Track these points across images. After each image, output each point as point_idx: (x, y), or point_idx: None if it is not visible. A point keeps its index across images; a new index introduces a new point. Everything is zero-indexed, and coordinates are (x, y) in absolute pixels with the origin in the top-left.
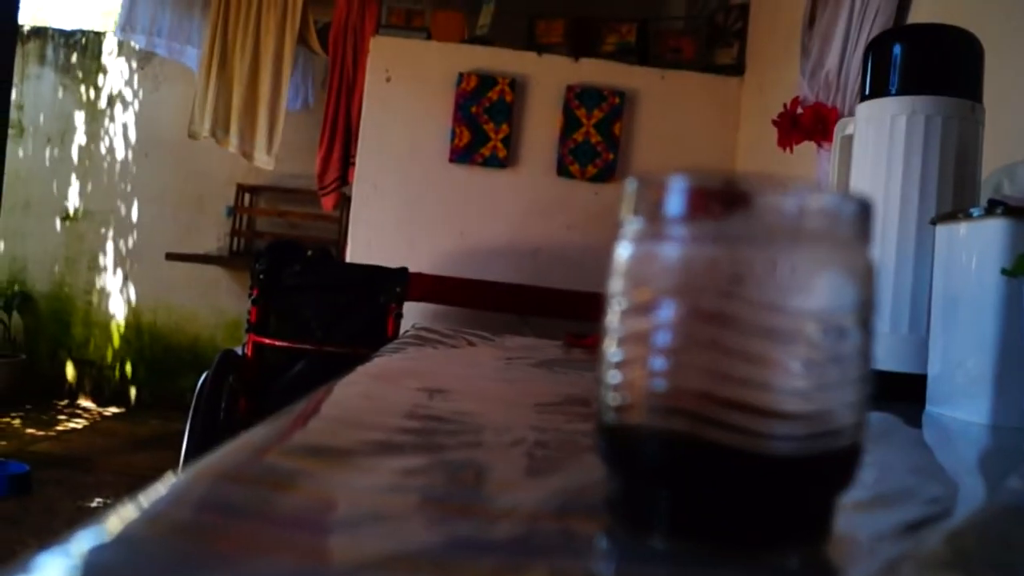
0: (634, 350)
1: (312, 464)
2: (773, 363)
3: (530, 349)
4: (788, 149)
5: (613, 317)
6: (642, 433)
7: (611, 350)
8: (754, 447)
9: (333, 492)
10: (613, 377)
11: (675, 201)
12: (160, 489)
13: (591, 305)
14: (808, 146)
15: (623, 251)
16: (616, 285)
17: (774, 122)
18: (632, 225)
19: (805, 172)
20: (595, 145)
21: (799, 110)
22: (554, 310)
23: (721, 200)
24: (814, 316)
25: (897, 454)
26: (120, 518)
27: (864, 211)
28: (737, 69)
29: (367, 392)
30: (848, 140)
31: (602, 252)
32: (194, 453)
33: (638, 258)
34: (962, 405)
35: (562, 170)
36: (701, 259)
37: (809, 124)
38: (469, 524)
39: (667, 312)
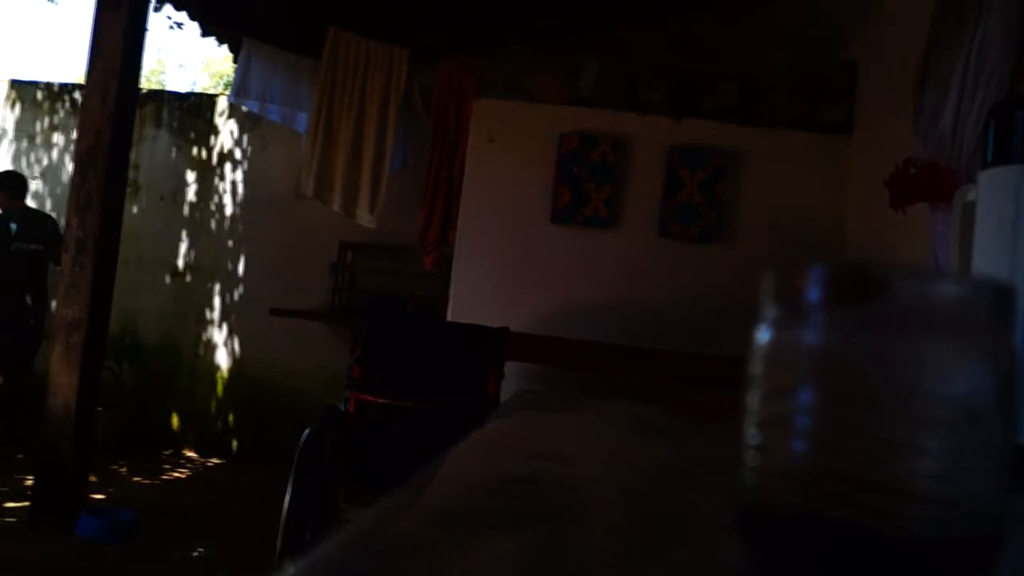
0: (773, 433)
1: (439, 534)
2: (911, 448)
3: (633, 414)
4: (901, 211)
5: (752, 400)
6: (782, 515)
7: (750, 432)
8: (893, 531)
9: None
10: (752, 459)
11: (814, 289)
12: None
13: (694, 367)
14: (921, 207)
15: (762, 336)
16: (755, 369)
17: (886, 183)
18: (771, 311)
19: (918, 234)
20: (698, 205)
21: (912, 170)
22: (657, 372)
23: (858, 287)
24: (952, 402)
25: None
26: None
27: (1004, 297)
28: (845, 127)
29: (484, 459)
30: (970, 207)
31: (706, 314)
32: (297, 506)
33: (777, 343)
34: None
35: (665, 230)
36: (839, 345)
37: (923, 185)
38: None
39: (806, 396)
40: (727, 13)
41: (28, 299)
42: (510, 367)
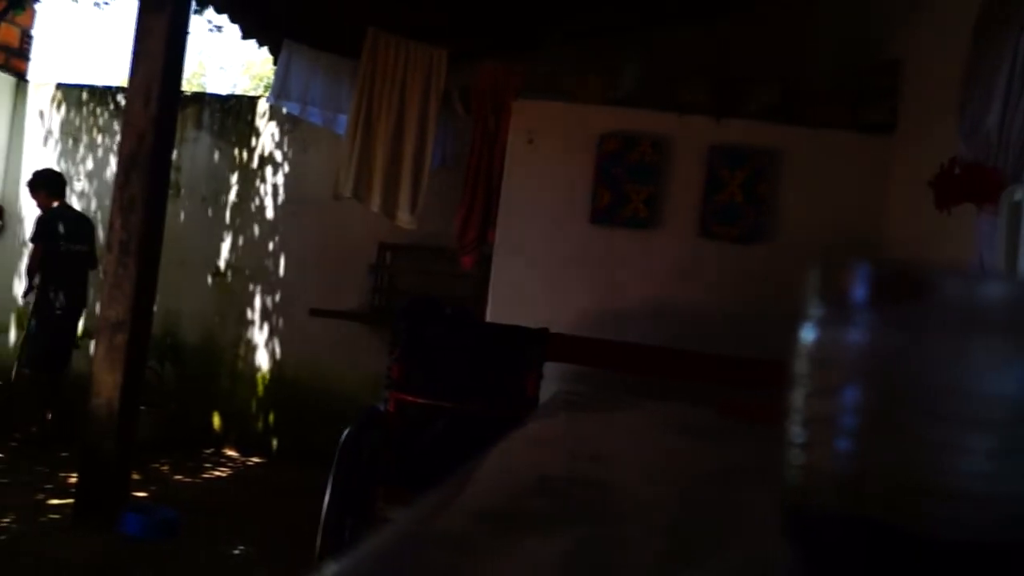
0: (818, 432)
1: (481, 532)
2: (956, 448)
3: (677, 415)
4: (945, 211)
5: (797, 398)
6: (825, 514)
7: (795, 430)
8: (939, 531)
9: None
10: (796, 457)
11: (860, 288)
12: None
13: (735, 369)
14: (966, 208)
15: (807, 335)
16: (800, 368)
17: (930, 183)
18: (816, 310)
19: (962, 235)
20: (739, 205)
21: (957, 170)
22: (696, 374)
23: (904, 287)
24: (998, 402)
25: None
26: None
27: None
28: (887, 127)
29: (526, 459)
30: (1016, 207)
31: (747, 315)
32: (336, 505)
33: (822, 342)
34: None
35: (705, 231)
36: (885, 345)
37: (968, 185)
38: None
39: (851, 395)
40: (768, 12)
41: (72, 299)
42: (549, 368)
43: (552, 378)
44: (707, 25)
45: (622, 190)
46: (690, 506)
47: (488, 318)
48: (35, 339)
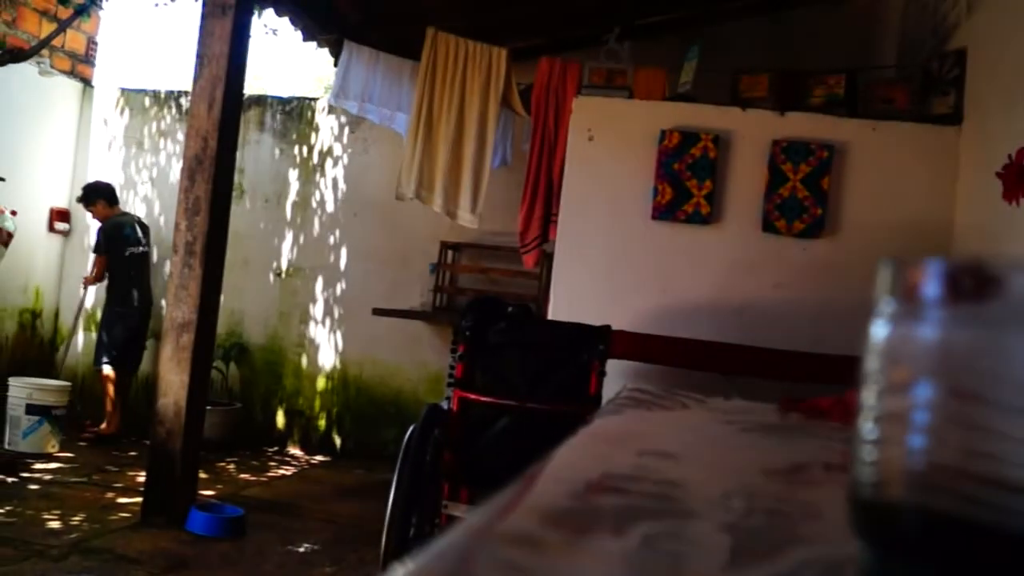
0: (891, 428)
1: (550, 530)
2: None
3: (743, 412)
4: (1015, 202)
5: (868, 395)
6: (899, 510)
7: (866, 427)
8: (1012, 526)
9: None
10: (869, 453)
11: (932, 284)
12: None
13: (800, 365)
14: None
15: (879, 331)
16: (872, 364)
17: (999, 174)
18: (888, 306)
19: None
20: (802, 200)
21: None
22: (760, 370)
23: (977, 282)
24: None
25: None
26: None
27: None
28: (954, 118)
29: (594, 456)
30: None
31: (811, 311)
32: (401, 503)
33: (895, 338)
34: None
35: (768, 226)
36: (959, 341)
37: None
38: None
39: (924, 391)
40: (831, 3)
41: (141, 300)
42: (611, 365)
43: (614, 375)
44: (769, 18)
45: (683, 186)
46: (758, 503)
47: (550, 316)
48: (108, 339)
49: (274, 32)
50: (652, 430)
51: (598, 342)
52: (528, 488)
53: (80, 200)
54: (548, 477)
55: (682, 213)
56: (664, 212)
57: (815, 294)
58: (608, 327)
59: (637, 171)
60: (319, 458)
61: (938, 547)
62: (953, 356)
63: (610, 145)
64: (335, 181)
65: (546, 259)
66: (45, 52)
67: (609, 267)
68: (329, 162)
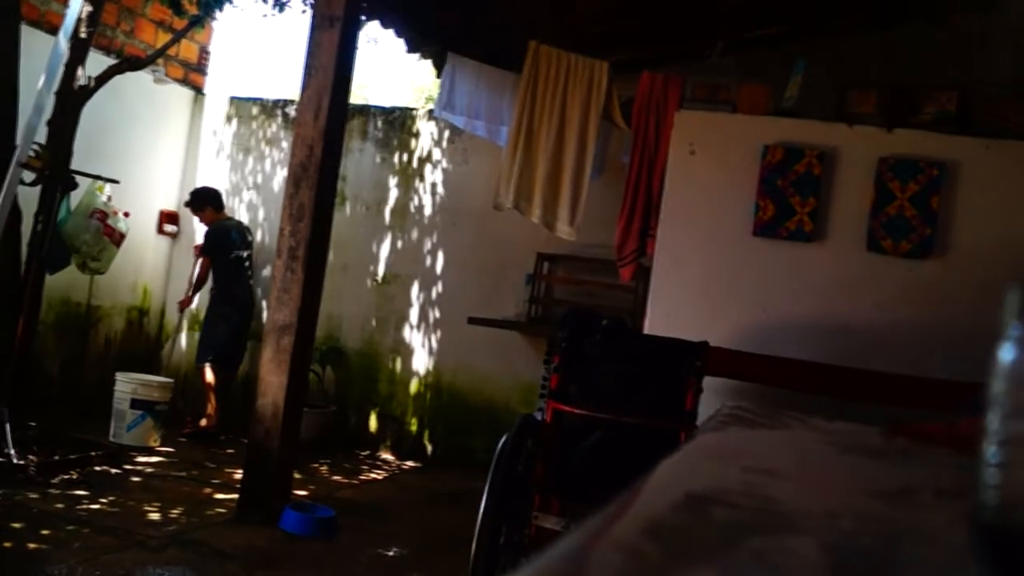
0: (1016, 452)
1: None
2: None
3: (846, 434)
4: None
5: (994, 419)
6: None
7: (990, 450)
8: None
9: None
10: (993, 478)
11: None
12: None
13: (902, 389)
14: None
15: (1006, 355)
16: (998, 387)
17: None
18: (1016, 330)
19: None
20: (910, 219)
21: None
22: (862, 393)
23: None
24: None
25: None
26: None
27: None
28: None
29: (697, 472)
30: None
31: (914, 333)
32: (492, 512)
33: (1022, 363)
34: None
35: (873, 245)
36: None
37: None
38: None
39: None
40: (942, 17)
41: (245, 302)
42: (707, 382)
43: (712, 392)
44: (877, 32)
45: (786, 202)
46: (865, 524)
47: (646, 330)
48: (211, 338)
49: (375, 41)
50: (755, 448)
51: (695, 358)
52: (632, 501)
53: (188, 204)
54: (651, 490)
55: (784, 230)
56: (766, 228)
57: (919, 316)
58: (705, 343)
59: (739, 186)
60: (410, 463)
61: None
62: None
63: (712, 160)
64: (434, 189)
65: (642, 273)
66: (160, 61)
67: (707, 282)
68: (428, 171)
